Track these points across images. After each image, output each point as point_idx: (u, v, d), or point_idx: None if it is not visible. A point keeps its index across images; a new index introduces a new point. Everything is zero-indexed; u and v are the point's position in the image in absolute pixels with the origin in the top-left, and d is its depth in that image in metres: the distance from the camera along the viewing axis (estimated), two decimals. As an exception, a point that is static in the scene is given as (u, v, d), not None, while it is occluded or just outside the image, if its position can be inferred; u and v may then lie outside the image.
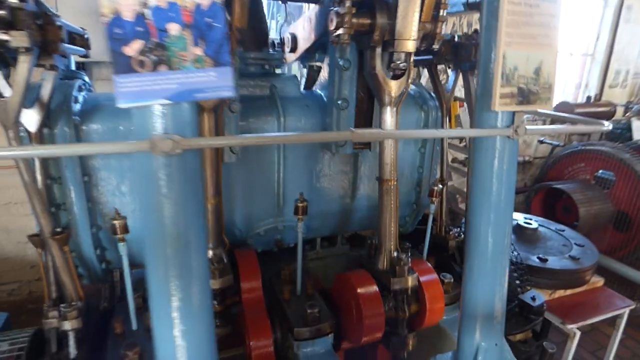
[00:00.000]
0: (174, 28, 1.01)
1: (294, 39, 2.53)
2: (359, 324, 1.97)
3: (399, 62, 1.80)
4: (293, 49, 2.59)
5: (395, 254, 2.09)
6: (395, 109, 1.94)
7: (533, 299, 2.24)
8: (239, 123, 2.14)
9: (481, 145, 1.59)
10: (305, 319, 1.94)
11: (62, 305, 1.72)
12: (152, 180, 1.09)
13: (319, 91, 2.48)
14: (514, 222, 3.25)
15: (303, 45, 2.44)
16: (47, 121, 1.80)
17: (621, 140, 5.60)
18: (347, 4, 1.69)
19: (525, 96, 1.47)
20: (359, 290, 1.97)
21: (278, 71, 2.57)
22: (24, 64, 1.43)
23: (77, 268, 2.12)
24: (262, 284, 2.13)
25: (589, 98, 6.65)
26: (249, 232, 2.43)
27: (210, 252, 1.95)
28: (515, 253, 2.58)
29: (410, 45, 1.77)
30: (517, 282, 2.44)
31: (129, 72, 1.00)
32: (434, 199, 2.35)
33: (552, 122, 1.81)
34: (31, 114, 1.68)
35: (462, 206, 5.51)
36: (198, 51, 1.04)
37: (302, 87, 2.76)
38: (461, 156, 5.01)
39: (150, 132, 1.07)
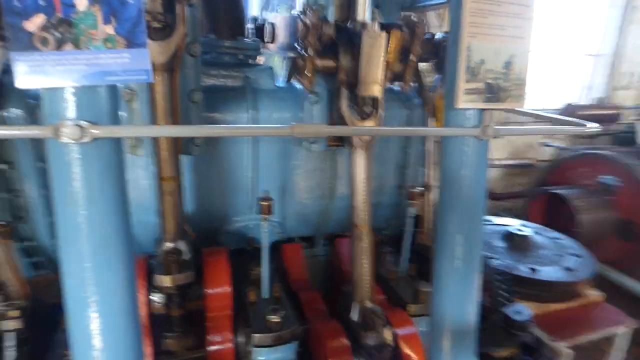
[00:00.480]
0: (81, 3, 0.91)
1: (273, 29, 2.42)
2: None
3: (364, 105, 1.74)
4: (271, 40, 2.48)
5: (369, 305, 1.92)
6: (365, 153, 1.83)
7: (517, 312, 2.11)
8: (208, 115, 2.06)
9: (449, 145, 1.47)
10: (266, 324, 1.83)
11: (2, 304, 1.63)
12: (61, 172, 1.00)
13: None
14: (504, 229, 3.10)
15: (282, 39, 2.34)
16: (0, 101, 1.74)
17: (629, 145, 5.37)
18: (310, 51, 1.64)
19: (494, 93, 1.35)
20: (327, 345, 1.86)
21: (257, 61, 2.47)
22: None
23: (33, 257, 2.07)
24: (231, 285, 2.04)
25: (599, 100, 6.41)
26: (219, 228, 2.34)
27: (168, 244, 1.85)
28: (500, 262, 2.44)
29: (376, 90, 1.70)
30: (502, 293, 2.30)
31: (29, 49, 0.90)
32: (413, 202, 2.22)
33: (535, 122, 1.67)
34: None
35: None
36: (109, 29, 0.94)
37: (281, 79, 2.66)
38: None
39: (62, 117, 0.98)
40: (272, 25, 2.48)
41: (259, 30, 2.48)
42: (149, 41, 1.33)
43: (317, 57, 1.65)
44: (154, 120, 1.61)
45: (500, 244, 2.88)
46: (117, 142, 1.07)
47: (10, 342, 1.62)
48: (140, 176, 2.05)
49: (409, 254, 2.31)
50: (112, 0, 0.93)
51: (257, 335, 1.80)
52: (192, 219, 2.24)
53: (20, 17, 0.89)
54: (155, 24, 1.42)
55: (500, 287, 2.23)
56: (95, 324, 1.08)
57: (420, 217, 2.43)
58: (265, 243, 1.94)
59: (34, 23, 0.90)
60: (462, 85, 1.29)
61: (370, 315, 1.88)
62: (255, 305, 1.98)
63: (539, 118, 1.74)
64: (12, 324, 1.62)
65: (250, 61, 2.48)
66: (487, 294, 2.24)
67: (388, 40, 1.59)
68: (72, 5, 0.91)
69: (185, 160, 2.06)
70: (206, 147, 2.06)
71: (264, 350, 1.80)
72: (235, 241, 2.42)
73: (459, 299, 1.56)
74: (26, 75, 0.91)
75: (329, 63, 1.70)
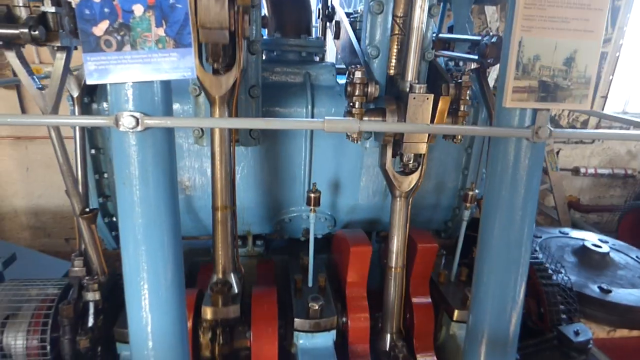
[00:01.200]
0: (138, 9, 1.04)
1: (338, 25, 2.46)
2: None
3: (408, 162, 1.79)
4: (337, 36, 2.52)
5: (395, 337, 2.03)
6: (405, 201, 1.90)
7: (576, 332, 1.93)
8: (269, 109, 2.17)
9: (497, 147, 1.39)
10: (307, 311, 1.91)
11: (86, 277, 1.90)
12: (121, 156, 1.15)
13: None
14: (579, 243, 2.81)
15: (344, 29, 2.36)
16: (94, 97, 2.01)
17: None
18: (357, 105, 1.67)
19: (550, 92, 1.25)
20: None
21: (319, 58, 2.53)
22: (60, 60, 1.56)
23: (116, 232, 2.35)
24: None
25: None
26: (275, 217, 2.46)
27: (218, 276, 1.83)
28: (566, 277, 2.23)
29: (421, 148, 1.71)
30: (562, 309, 2.12)
31: (96, 50, 1.05)
32: (468, 204, 2.13)
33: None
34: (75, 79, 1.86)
35: (539, 219, 4.96)
36: (160, 32, 1.05)
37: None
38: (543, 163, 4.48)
39: (122, 109, 1.12)
40: (339, 22, 2.52)
41: (329, 19, 2.53)
42: (210, 76, 1.54)
43: (365, 113, 1.69)
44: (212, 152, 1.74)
45: (571, 258, 2.63)
46: (168, 131, 1.19)
47: (90, 310, 1.88)
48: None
49: (460, 258, 2.22)
50: (163, 5, 1.04)
51: (297, 319, 1.88)
52: (250, 208, 2.39)
53: (89, 23, 1.03)
54: (217, 65, 1.54)
55: (562, 303, 2.05)
56: (145, 291, 1.23)
57: (478, 221, 2.32)
58: (312, 234, 2.00)
59: (100, 28, 1.04)
60: (511, 82, 1.22)
61: (393, 348, 1.99)
62: (300, 292, 2.07)
63: (623, 122, 1.57)
64: (91, 296, 1.88)
65: (316, 58, 2.55)
66: (546, 310, 2.08)
67: (435, 102, 1.58)
68: (131, 12, 1.04)
69: (244, 151, 2.21)
70: (265, 140, 2.18)
71: (303, 334, 1.88)
72: (290, 230, 2.53)
73: (499, 307, 1.48)
74: (94, 72, 1.06)
75: (376, 120, 1.72)
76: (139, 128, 1.09)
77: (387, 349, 2.04)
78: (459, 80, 1.66)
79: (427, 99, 1.56)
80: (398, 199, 1.90)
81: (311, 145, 2.25)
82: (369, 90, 1.67)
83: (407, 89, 1.64)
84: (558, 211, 4.28)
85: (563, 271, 2.29)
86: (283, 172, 2.31)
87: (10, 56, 1.47)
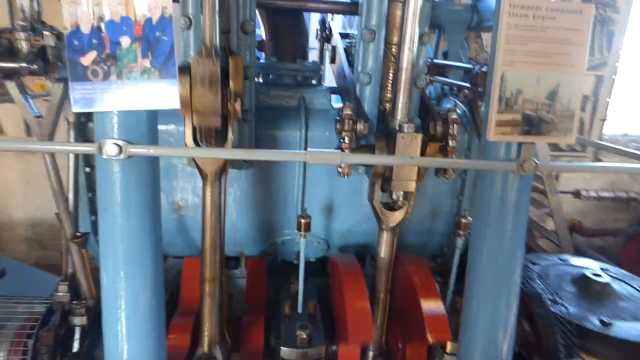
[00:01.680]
0: (125, 41, 1.06)
1: (334, 50, 2.50)
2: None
3: (397, 200, 1.83)
4: (333, 60, 2.56)
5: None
6: (391, 234, 1.98)
7: (575, 369, 1.88)
8: (263, 132, 2.19)
9: (484, 178, 1.39)
10: (294, 339, 1.88)
11: (73, 302, 1.90)
12: (104, 183, 1.16)
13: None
14: (579, 271, 2.76)
15: (339, 54, 2.41)
16: (90, 116, 2.03)
17: None
18: (346, 140, 1.68)
19: (534, 125, 1.25)
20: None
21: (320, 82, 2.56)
22: (57, 91, 1.61)
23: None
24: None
25: None
26: (267, 240, 2.45)
27: (204, 350, 1.78)
28: (565, 308, 2.19)
29: (410, 186, 1.75)
30: (561, 342, 2.07)
31: (83, 80, 1.07)
32: (461, 232, 2.11)
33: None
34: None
35: (542, 242, 4.91)
36: (146, 63, 1.08)
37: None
38: (541, 185, 4.45)
39: (107, 136, 1.14)
40: (334, 47, 2.57)
41: (327, 40, 2.58)
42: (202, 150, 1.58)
43: (354, 150, 1.72)
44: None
45: (570, 288, 2.57)
46: (153, 158, 1.20)
47: (76, 335, 1.87)
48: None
49: (455, 286, 2.19)
50: (149, 38, 1.06)
51: (284, 348, 1.86)
52: (242, 230, 2.39)
53: (77, 53, 1.06)
54: (209, 145, 1.60)
55: (561, 338, 2.01)
56: (122, 318, 1.22)
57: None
58: (302, 260, 1.99)
59: (88, 58, 1.07)
60: (494, 116, 1.22)
61: None
62: (288, 319, 2.04)
63: (614, 151, 1.56)
64: (78, 320, 1.88)
65: (312, 81, 2.59)
66: (543, 343, 2.04)
67: (424, 141, 1.62)
68: (118, 43, 1.06)
69: (237, 173, 2.22)
70: (258, 162, 2.19)
71: (292, 364, 1.85)
72: (283, 253, 2.52)
73: (489, 339, 1.45)
74: (80, 101, 1.08)
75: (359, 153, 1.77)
76: (122, 156, 1.10)
77: None
78: (446, 119, 1.68)
79: (416, 137, 1.59)
80: (385, 232, 1.97)
81: (304, 169, 2.26)
82: (358, 127, 1.72)
83: (397, 128, 1.67)
84: (559, 235, 4.24)
85: (561, 302, 2.25)
86: (276, 194, 2.32)
87: (11, 86, 1.52)
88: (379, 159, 1.51)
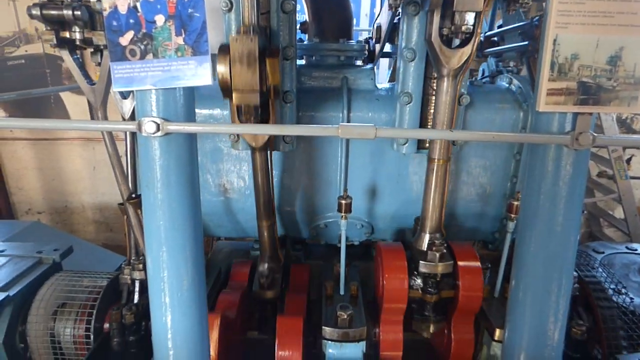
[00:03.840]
0: (160, 19, 1.09)
1: (379, 28, 2.42)
2: (382, 290, 1.96)
3: (461, 25, 1.52)
4: (377, 40, 2.49)
5: (435, 236, 1.97)
6: (453, 82, 1.69)
7: (639, 362, 1.72)
8: (305, 114, 2.18)
9: (535, 154, 1.28)
10: (335, 319, 1.88)
11: (133, 258, 2.04)
12: (144, 160, 1.20)
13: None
14: (650, 258, 2.51)
15: (384, 33, 2.33)
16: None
17: None
18: None
19: (591, 94, 1.13)
20: (384, 259, 1.97)
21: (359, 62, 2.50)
22: (106, 58, 1.70)
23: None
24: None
25: None
26: (311, 223, 2.46)
27: (265, 265, 2.20)
28: (629, 299, 2.00)
29: (476, 3, 1.44)
30: (623, 335, 1.90)
31: (122, 59, 1.11)
32: (513, 215, 1.98)
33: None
34: (127, 103, 2.00)
35: (609, 232, 4.52)
36: (180, 40, 1.09)
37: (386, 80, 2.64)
38: (610, 170, 4.08)
39: (147, 114, 1.18)
40: (379, 25, 2.49)
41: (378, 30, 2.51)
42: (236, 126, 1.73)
43: None
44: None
45: (637, 278, 2.35)
46: (190, 136, 1.23)
47: (136, 287, 2.03)
48: (245, 168, 2.30)
49: (506, 272, 2.07)
50: (182, 15, 1.08)
51: (325, 328, 1.86)
52: (285, 213, 2.41)
53: (116, 34, 1.10)
54: (252, 120, 1.69)
55: (623, 329, 1.85)
56: (166, 291, 1.28)
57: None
58: (343, 240, 1.97)
59: (126, 38, 1.10)
60: (545, 84, 1.12)
61: (430, 245, 1.93)
62: (330, 299, 2.04)
63: None
64: (137, 274, 2.04)
65: (357, 62, 2.53)
66: (603, 335, 1.88)
67: None
68: (153, 22, 1.09)
69: (280, 155, 2.23)
70: (300, 144, 2.19)
71: (331, 344, 1.85)
72: (327, 236, 2.51)
73: (537, 329, 1.36)
74: (120, 80, 1.12)
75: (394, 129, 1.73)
76: (160, 133, 1.14)
77: (425, 248, 1.98)
78: None
79: None
80: (445, 78, 1.68)
81: (347, 151, 2.23)
82: None
83: None
84: (628, 224, 3.87)
85: (625, 292, 2.06)
86: (318, 177, 2.31)
87: (64, 54, 1.64)
88: (420, 133, 1.45)
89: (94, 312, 1.98)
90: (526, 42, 1.94)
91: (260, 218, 2.11)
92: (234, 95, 1.51)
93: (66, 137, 5.39)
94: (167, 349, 1.30)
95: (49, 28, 1.60)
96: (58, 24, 1.58)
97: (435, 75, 1.83)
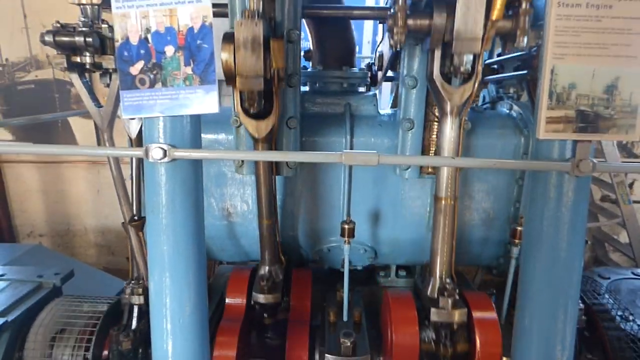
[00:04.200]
0: (169, 50, 1.13)
1: (381, 56, 2.48)
2: (390, 345, 1.85)
3: (460, 65, 1.55)
4: (380, 67, 2.54)
5: (446, 281, 1.85)
6: (456, 119, 1.68)
7: (645, 391, 1.69)
8: (308, 139, 2.21)
9: (537, 181, 1.30)
10: (339, 347, 1.86)
11: (132, 282, 2.03)
12: (150, 185, 1.22)
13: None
14: (655, 285, 2.48)
15: (386, 61, 2.38)
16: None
17: None
18: (400, 2, 1.51)
19: (590, 122, 1.15)
20: (392, 311, 1.87)
21: (362, 89, 2.55)
22: (114, 81, 1.75)
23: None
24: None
25: None
26: (313, 247, 2.46)
27: (266, 268, 2.13)
28: (637, 326, 1.97)
29: (474, 46, 1.48)
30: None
31: (132, 88, 1.15)
32: (516, 240, 1.98)
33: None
34: (133, 123, 2.04)
35: (615, 256, 4.48)
36: (188, 70, 1.13)
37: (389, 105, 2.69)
38: (613, 195, 4.07)
39: (154, 140, 1.20)
40: (381, 53, 2.55)
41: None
42: (251, 121, 1.74)
43: (409, 16, 1.50)
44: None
45: (647, 304, 2.32)
46: (195, 162, 1.26)
47: (134, 312, 1.99)
48: (249, 192, 2.32)
49: (511, 299, 2.05)
50: (192, 46, 1.12)
51: (329, 356, 1.83)
52: (288, 237, 2.42)
53: (127, 64, 1.14)
54: (254, 110, 1.69)
55: (632, 358, 1.81)
56: (167, 316, 1.27)
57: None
58: (346, 266, 1.97)
59: (136, 68, 1.14)
60: (544, 112, 1.14)
61: (442, 291, 1.80)
62: (334, 326, 2.02)
63: None
64: (136, 299, 2.01)
65: (360, 89, 2.58)
66: (611, 363, 1.85)
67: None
68: (163, 52, 1.13)
69: (283, 180, 2.25)
70: (303, 169, 2.22)
71: (337, 371, 1.82)
72: (330, 261, 2.51)
73: (543, 356, 1.34)
74: (129, 107, 1.16)
75: (422, 22, 1.51)
76: (166, 159, 1.16)
77: (435, 295, 1.85)
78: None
79: None
80: (449, 115, 1.67)
81: (350, 176, 2.24)
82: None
83: None
84: (633, 248, 3.84)
85: (632, 319, 2.04)
86: (321, 201, 2.32)
87: (74, 77, 1.69)
88: (413, 160, 1.46)
89: (93, 338, 1.95)
90: (525, 72, 1.99)
91: (261, 215, 2.03)
92: (237, 80, 1.46)
93: (71, 160, 5.46)
94: (168, 376, 1.29)
95: (60, 52, 1.65)
96: (69, 49, 1.64)
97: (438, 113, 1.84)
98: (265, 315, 2.13)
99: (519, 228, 1.96)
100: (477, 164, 1.30)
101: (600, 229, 4.45)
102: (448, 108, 1.67)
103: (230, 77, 1.46)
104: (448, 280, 1.86)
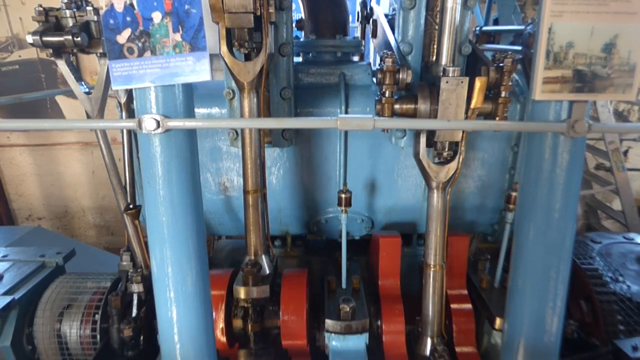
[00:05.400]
0: (157, 16, 1.09)
1: (375, 23, 2.43)
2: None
3: (442, 150, 1.67)
4: (374, 35, 2.49)
5: (437, 341, 1.88)
6: (443, 193, 1.77)
7: (635, 348, 1.74)
8: (302, 110, 2.19)
9: (532, 143, 1.30)
10: (338, 312, 1.89)
11: (130, 271, 2.03)
12: (145, 157, 1.21)
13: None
14: (645, 247, 2.53)
15: (380, 27, 2.34)
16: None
17: None
18: (387, 94, 1.60)
19: (587, 82, 1.14)
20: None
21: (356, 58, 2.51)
22: (103, 67, 1.70)
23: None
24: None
25: None
26: (311, 218, 2.47)
27: (250, 257, 1.90)
28: (626, 286, 2.02)
29: (456, 135, 1.60)
30: (620, 320, 1.92)
31: (120, 57, 1.12)
32: (511, 206, 2.00)
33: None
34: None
35: (607, 224, 4.55)
36: (177, 37, 1.10)
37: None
38: (608, 162, 4.10)
39: (146, 112, 1.19)
40: (376, 21, 2.49)
41: (368, 20, 2.51)
42: (238, 62, 1.57)
43: (396, 101, 1.61)
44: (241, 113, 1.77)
45: (635, 266, 2.37)
46: (190, 133, 1.24)
47: (134, 301, 2.01)
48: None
49: (505, 262, 2.09)
50: (179, 11, 1.09)
51: (328, 321, 1.87)
52: (286, 209, 2.42)
53: (114, 32, 1.11)
54: (243, 50, 1.57)
55: (620, 314, 1.87)
56: (170, 286, 1.29)
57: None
58: (344, 234, 1.98)
59: (123, 36, 1.11)
60: (541, 73, 1.13)
61: (433, 352, 1.84)
62: (333, 293, 2.06)
63: None
64: (135, 287, 2.01)
65: (353, 58, 2.54)
66: (600, 321, 1.90)
67: (471, 85, 1.45)
68: (150, 19, 1.10)
69: (279, 152, 2.24)
70: (299, 140, 2.21)
71: (335, 336, 1.87)
72: (327, 231, 2.52)
73: (536, 316, 1.37)
74: (119, 78, 1.13)
75: (407, 107, 1.62)
76: (160, 130, 1.14)
77: (427, 354, 1.93)
78: (501, 65, 1.52)
79: (462, 82, 1.46)
80: (435, 190, 1.77)
81: (346, 146, 2.24)
82: (401, 76, 1.60)
83: (441, 73, 1.56)
84: (626, 215, 3.89)
85: (622, 279, 2.08)
86: (318, 172, 2.32)
87: (61, 64, 1.64)
88: (416, 123, 1.45)
89: (99, 312, 1.98)
90: (519, 47, 1.97)
91: (246, 182, 1.82)
92: (225, 17, 1.39)
93: (64, 142, 5.40)
94: (173, 343, 1.31)
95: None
96: (58, 47, 1.54)
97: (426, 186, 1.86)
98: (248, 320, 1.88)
99: (514, 194, 1.97)
100: (475, 127, 1.29)
101: (593, 197, 4.49)
102: (434, 184, 1.76)
103: (218, 11, 1.38)
104: (438, 341, 1.89)
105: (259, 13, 1.44)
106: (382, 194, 2.36)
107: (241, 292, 1.82)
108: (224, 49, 1.51)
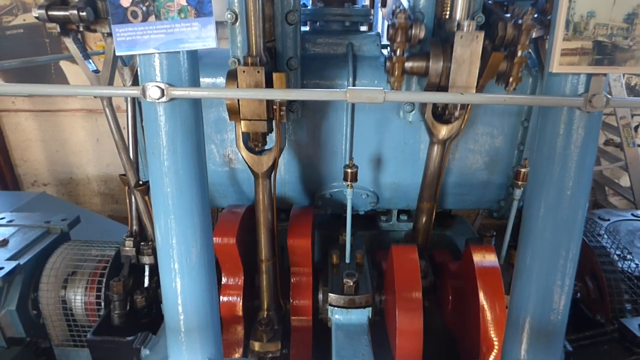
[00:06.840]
0: (161, -22, 1.05)
1: (385, -8, 2.35)
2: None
3: (454, 111, 1.70)
4: (384, 4, 2.41)
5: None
6: (441, 147, 1.94)
7: (641, 327, 1.75)
8: (309, 82, 2.14)
9: (546, 118, 1.26)
10: (341, 287, 1.91)
11: (141, 243, 2.05)
12: (150, 126, 1.19)
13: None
14: (653, 225, 2.51)
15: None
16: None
17: None
18: (397, 52, 1.57)
19: (607, 54, 1.09)
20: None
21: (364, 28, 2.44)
22: (110, 45, 1.67)
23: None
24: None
25: None
26: (316, 192, 2.46)
27: (263, 313, 2.04)
28: (634, 264, 2.02)
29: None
30: (627, 299, 1.93)
31: (124, 22, 1.08)
32: (520, 182, 1.97)
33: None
34: (127, 70, 1.97)
35: (614, 200, 4.52)
36: (182, 1, 1.06)
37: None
38: (617, 138, 4.02)
39: (151, 79, 1.16)
40: (386, -12, 2.40)
41: None
42: (253, 155, 1.75)
43: (407, 59, 1.57)
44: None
45: (643, 244, 2.36)
46: (195, 102, 1.21)
47: (145, 272, 2.04)
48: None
49: (511, 240, 2.08)
50: (184, -26, 1.04)
51: (332, 295, 1.89)
52: (291, 183, 2.41)
53: (117, -6, 1.06)
54: (257, 149, 1.77)
55: (627, 293, 1.87)
56: (174, 257, 1.29)
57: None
58: (349, 209, 1.98)
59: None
60: (560, 44, 1.08)
61: None
62: (336, 268, 2.07)
63: None
64: (147, 259, 2.04)
65: (362, 27, 2.46)
66: (607, 299, 1.90)
67: (486, 49, 1.42)
68: (154, -19, 1.05)
69: (283, 124, 2.20)
70: (305, 113, 2.17)
71: (338, 310, 1.89)
72: (332, 206, 2.52)
73: (543, 294, 1.37)
74: (122, 44, 1.10)
75: (419, 65, 1.58)
76: (164, 99, 1.12)
77: None
78: (519, 21, 1.45)
79: (477, 37, 1.40)
80: (435, 145, 1.92)
81: (352, 119, 2.20)
82: (414, 32, 1.56)
83: (455, 29, 1.50)
84: (634, 192, 3.86)
85: (630, 257, 2.08)
86: (324, 146, 2.29)
87: (68, 41, 1.61)
88: (421, 96, 1.41)
89: (104, 280, 2.01)
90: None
91: (260, 252, 1.96)
92: (242, 123, 1.59)
93: (68, 108, 5.36)
94: (177, 314, 1.33)
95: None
96: (63, 22, 1.56)
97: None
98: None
99: (523, 170, 1.94)
100: (487, 100, 1.25)
101: (601, 173, 4.44)
102: (435, 140, 1.92)
103: (234, 114, 1.55)
104: None
105: (272, 115, 1.59)
106: (389, 169, 2.33)
107: (256, 346, 1.97)
108: (241, 144, 1.75)
